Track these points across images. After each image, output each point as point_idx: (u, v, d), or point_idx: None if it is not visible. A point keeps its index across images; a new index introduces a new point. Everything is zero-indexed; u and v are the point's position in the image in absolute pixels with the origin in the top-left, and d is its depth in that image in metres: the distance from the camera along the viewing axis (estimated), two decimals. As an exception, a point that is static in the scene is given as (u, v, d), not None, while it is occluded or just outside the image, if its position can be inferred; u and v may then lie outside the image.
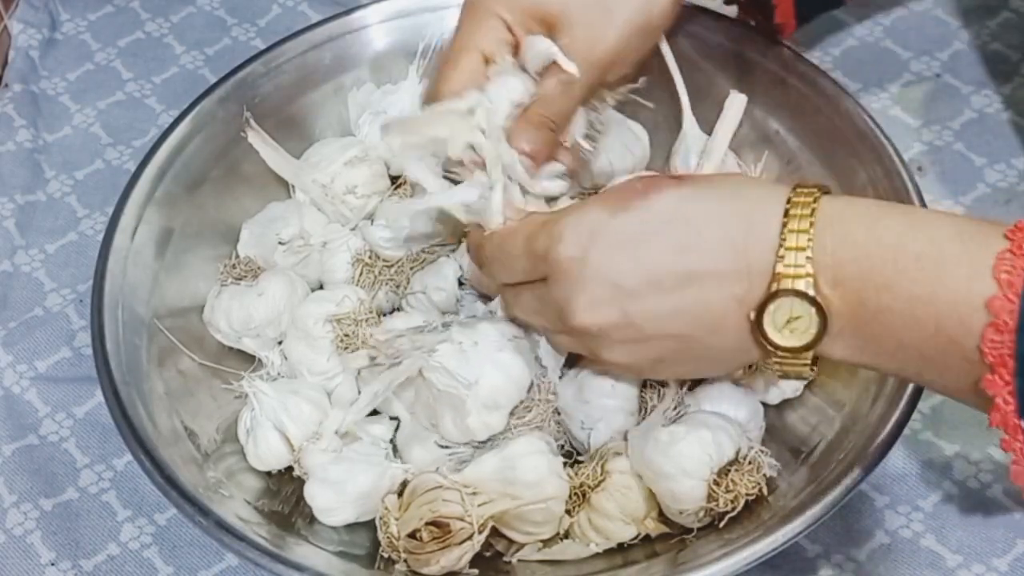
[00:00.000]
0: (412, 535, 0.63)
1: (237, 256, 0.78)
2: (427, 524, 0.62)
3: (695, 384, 0.69)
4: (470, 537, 0.62)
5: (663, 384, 0.68)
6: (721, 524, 0.63)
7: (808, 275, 0.53)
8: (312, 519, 0.67)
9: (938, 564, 0.70)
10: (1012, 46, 0.93)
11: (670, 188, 0.57)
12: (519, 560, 0.66)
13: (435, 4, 0.83)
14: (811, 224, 0.53)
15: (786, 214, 0.54)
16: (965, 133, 0.88)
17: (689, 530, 0.64)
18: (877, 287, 0.52)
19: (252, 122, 0.78)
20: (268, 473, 0.70)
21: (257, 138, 0.79)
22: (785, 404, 0.70)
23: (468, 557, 0.63)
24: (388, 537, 0.64)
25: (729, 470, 0.63)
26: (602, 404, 0.67)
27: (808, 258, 0.53)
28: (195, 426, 0.69)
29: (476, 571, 0.64)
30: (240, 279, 0.75)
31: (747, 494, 0.63)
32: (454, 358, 0.65)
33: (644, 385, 0.69)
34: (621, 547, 0.65)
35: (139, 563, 0.73)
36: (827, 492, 0.61)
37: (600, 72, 0.67)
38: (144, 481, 0.65)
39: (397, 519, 0.64)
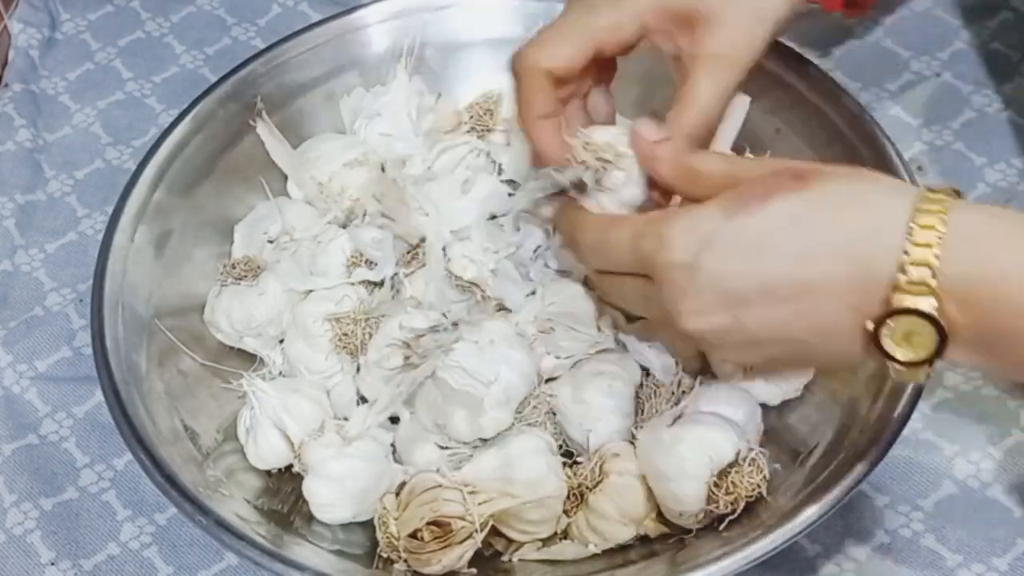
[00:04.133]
0: (413, 535, 0.63)
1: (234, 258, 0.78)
2: (428, 524, 0.62)
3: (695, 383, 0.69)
4: (471, 536, 0.63)
5: (659, 385, 0.69)
6: (721, 527, 0.63)
7: (932, 292, 0.50)
8: (311, 518, 0.67)
9: (938, 564, 0.70)
10: (1012, 45, 0.93)
11: (791, 192, 0.53)
12: (518, 560, 0.66)
13: (435, 4, 0.83)
14: (940, 238, 0.50)
15: (911, 225, 0.51)
16: (965, 132, 0.88)
17: (688, 531, 0.64)
18: (1013, 313, 0.50)
19: (264, 114, 0.78)
20: (268, 472, 0.70)
21: (265, 129, 0.79)
22: (785, 405, 0.70)
23: (468, 556, 0.63)
24: (387, 537, 0.64)
25: (729, 472, 0.63)
26: (600, 404, 0.67)
27: (933, 275, 0.50)
28: (195, 425, 0.69)
29: (475, 570, 0.64)
30: (240, 279, 0.75)
31: (747, 495, 0.63)
32: (473, 357, 0.66)
33: (640, 386, 0.69)
34: (620, 547, 0.65)
35: (139, 563, 0.73)
36: (827, 491, 0.61)
37: (744, 74, 0.64)
38: (144, 481, 0.65)
39: (396, 519, 0.64)
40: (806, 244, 0.53)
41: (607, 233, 0.59)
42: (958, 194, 0.52)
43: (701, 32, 0.63)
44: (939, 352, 0.51)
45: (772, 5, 0.64)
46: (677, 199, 0.62)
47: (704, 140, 0.64)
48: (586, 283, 0.71)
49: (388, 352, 0.67)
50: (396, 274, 0.73)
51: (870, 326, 0.52)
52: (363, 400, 0.71)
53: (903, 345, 0.52)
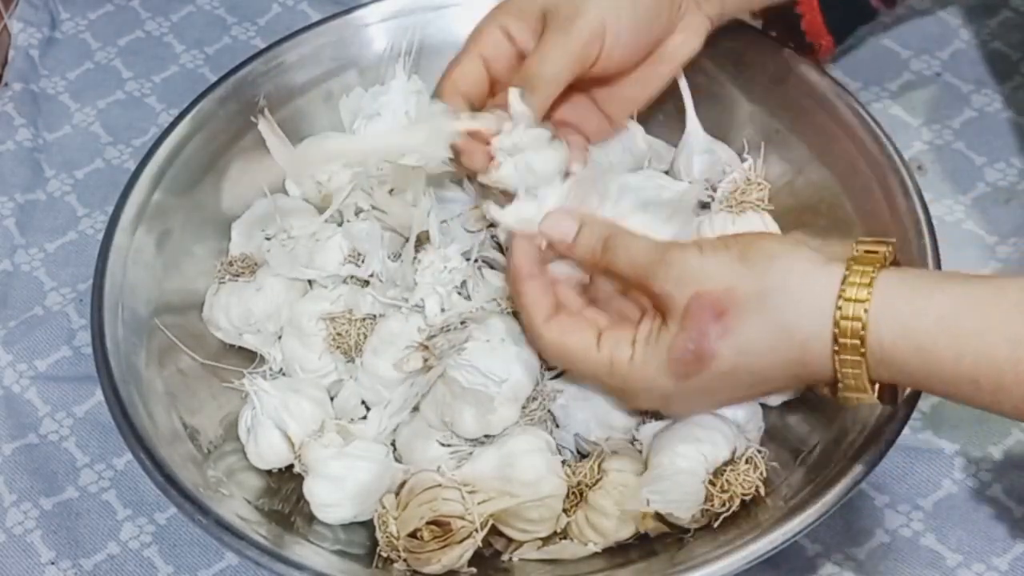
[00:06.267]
0: (412, 534, 0.63)
1: (232, 255, 0.77)
2: (427, 523, 0.62)
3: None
4: (471, 535, 0.62)
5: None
6: (716, 524, 0.63)
7: (866, 386, 0.57)
8: (311, 518, 0.67)
9: (938, 563, 0.70)
10: (1012, 45, 0.93)
11: (722, 345, 0.58)
12: (518, 559, 0.66)
13: (435, 3, 0.83)
14: (863, 355, 0.56)
15: (836, 341, 0.56)
16: (965, 132, 0.88)
17: (688, 530, 0.64)
18: (937, 390, 0.56)
19: (267, 112, 0.78)
20: (268, 472, 0.70)
21: (267, 127, 0.79)
22: (785, 405, 0.70)
23: (468, 555, 0.63)
24: (387, 536, 0.64)
25: (725, 470, 0.63)
26: (601, 403, 0.67)
27: (864, 373, 0.56)
28: (195, 425, 0.69)
29: (475, 570, 0.64)
30: (238, 276, 0.75)
31: (743, 494, 0.63)
32: (485, 356, 0.66)
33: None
34: (619, 546, 0.65)
35: (139, 562, 0.73)
36: (827, 491, 0.61)
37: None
38: (144, 480, 0.65)
39: (396, 518, 0.64)
40: (750, 378, 0.60)
41: (568, 350, 0.63)
42: (884, 263, 0.57)
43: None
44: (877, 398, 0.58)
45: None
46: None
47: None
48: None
49: (407, 356, 0.67)
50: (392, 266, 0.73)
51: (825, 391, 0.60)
52: (362, 403, 0.71)
53: (850, 395, 0.58)
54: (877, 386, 0.58)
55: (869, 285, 0.55)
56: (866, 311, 0.55)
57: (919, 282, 0.56)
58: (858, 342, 0.55)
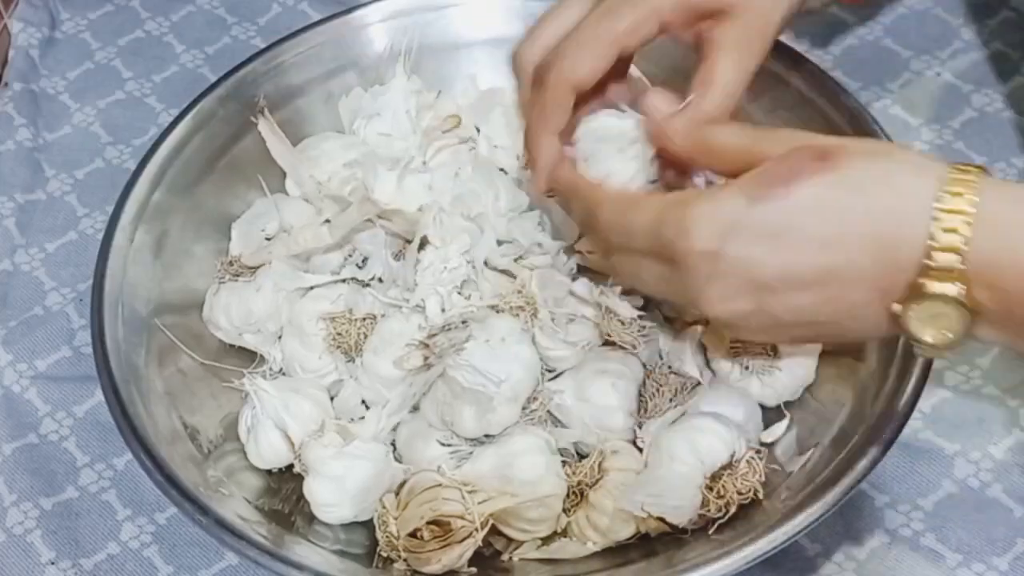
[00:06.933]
0: (412, 534, 0.63)
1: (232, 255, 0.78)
2: (428, 523, 0.62)
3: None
4: (471, 535, 0.63)
5: (661, 383, 0.69)
6: (711, 531, 0.63)
7: (959, 277, 0.50)
8: (312, 518, 0.67)
9: (938, 563, 0.70)
10: (1012, 45, 0.93)
11: (814, 175, 0.52)
12: (518, 559, 0.66)
13: (435, 3, 0.83)
14: (967, 223, 0.50)
15: (937, 209, 0.50)
16: (965, 132, 0.88)
17: (687, 530, 0.64)
18: None
19: (267, 111, 0.78)
20: (268, 472, 0.70)
21: (267, 127, 0.79)
22: (784, 405, 0.70)
23: (468, 555, 0.63)
24: (387, 536, 0.64)
25: (722, 475, 0.63)
26: (602, 403, 0.67)
27: (960, 260, 0.50)
28: (195, 425, 0.69)
29: (475, 570, 0.64)
30: (238, 275, 0.75)
31: (740, 496, 0.63)
32: (484, 356, 0.66)
33: (643, 384, 0.69)
34: (619, 546, 0.65)
35: (139, 562, 0.73)
36: (827, 491, 0.61)
37: (763, 57, 0.65)
38: (144, 480, 0.65)
39: (396, 518, 0.64)
40: (830, 230, 0.52)
41: (626, 215, 0.58)
42: (985, 171, 0.52)
43: (724, 19, 0.63)
44: (965, 335, 0.52)
45: None
46: (695, 180, 0.61)
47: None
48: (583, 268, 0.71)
49: (407, 354, 0.67)
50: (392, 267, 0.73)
51: (897, 308, 0.52)
52: (362, 402, 0.71)
53: (930, 326, 0.52)
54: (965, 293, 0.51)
55: (977, 172, 0.51)
56: (977, 176, 0.51)
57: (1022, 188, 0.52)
58: (968, 189, 0.50)
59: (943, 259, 0.50)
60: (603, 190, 0.61)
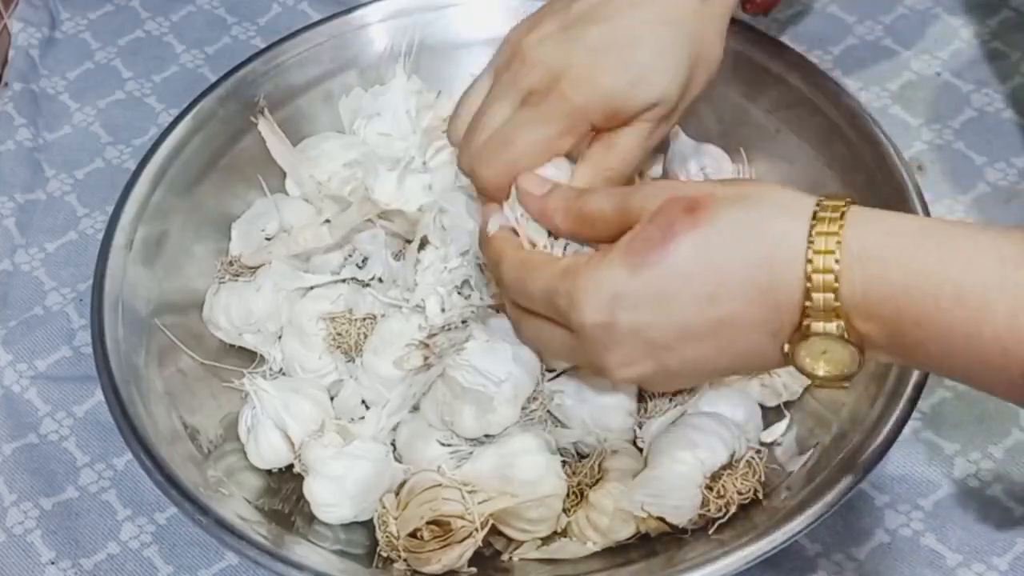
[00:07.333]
0: (412, 534, 0.63)
1: (232, 255, 0.78)
2: (428, 523, 0.62)
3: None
4: (471, 535, 0.63)
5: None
6: (711, 531, 0.63)
7: (838, 315, 0.51)
8: (312, 518, 0.67)
9: (938, 563, 0.70)
10: (1012, 45, 0.93)
11: (688, 233, 0.53)
12: (518, 559, 0.66)
13: (435, 3, 0.83)
14: (837, 261, 0.51)
15: (809, 251, 0.51)
16: (965, 132, 0.88)
17: (687, 530, 0.64)
18: (915, 323, 0.51)
19: (267, 111, 0.78)
20: (268, 472, 0.70)
21: (267, 126, 0.79)
22: (784, 405, 0.70)
23: (468, 555, 0.63)
24: (387, 536, 0.64)
25: (722, 474, 0.63)
26: (602, 403, 0.67)
27: (836, 298, 0.51)
28: (195, 425, 0.69)
29: (475, 570, 0.64)
30: (238, 275, 0.75)
31: (740, 495, 0.63)
32: (484, 356, 0.66)
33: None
34: (619, 546, 0.65)
35: (139, 562, 0.73)
36: (827, 491, 0.61)
37: (673, 123, 0.66)
38: (144, 480, 0.65)
39: (396, 518, 0.64)
40: (712, 285, 0.53)
41: (524, 280, 0.59)
42: (854, 203, 0.53)
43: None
44: (856, 368, 0.53)
45: (710, 55, 0.65)
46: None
47: (622, 184, 0.64)
48: None
49: (407, 354, 0.67)
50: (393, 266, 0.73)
51: (787, 348, 0.54)
52: (362, 402, 0.71)
53: (821, 360, 0.53)
54: (843, 324, 0.52)
55: (844, 207, 0.52)
56: (845, 211, 0.52)
57: (890, 216, 0.53)
58: (836, 227, 0.51)
59: (821, 299, 0.51)
60: (507, 244, 0.61)
